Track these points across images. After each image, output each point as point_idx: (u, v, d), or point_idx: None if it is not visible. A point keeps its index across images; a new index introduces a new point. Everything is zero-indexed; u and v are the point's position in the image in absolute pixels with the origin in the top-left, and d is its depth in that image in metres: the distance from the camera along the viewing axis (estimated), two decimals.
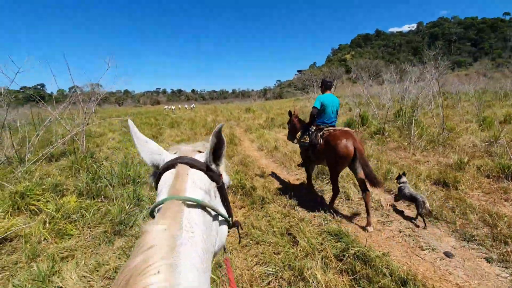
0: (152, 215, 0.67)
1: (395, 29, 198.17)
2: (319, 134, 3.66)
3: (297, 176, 5.39)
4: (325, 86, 3.93)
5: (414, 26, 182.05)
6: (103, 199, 3.90)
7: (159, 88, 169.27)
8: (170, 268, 0.47)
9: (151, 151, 0.77)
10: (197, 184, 0.69)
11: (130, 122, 0.78)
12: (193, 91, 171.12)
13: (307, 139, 3.89)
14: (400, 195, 3.56)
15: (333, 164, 3.42)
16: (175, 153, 0.79)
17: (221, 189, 0.78)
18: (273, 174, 5.45)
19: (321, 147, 3.56)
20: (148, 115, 25.15)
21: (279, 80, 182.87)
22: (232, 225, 0.85)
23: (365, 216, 3.28)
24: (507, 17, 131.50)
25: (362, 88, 12.73)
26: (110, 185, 4.13)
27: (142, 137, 0.78)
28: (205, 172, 0.73)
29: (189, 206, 0.63)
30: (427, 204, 3.20)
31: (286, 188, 4.59)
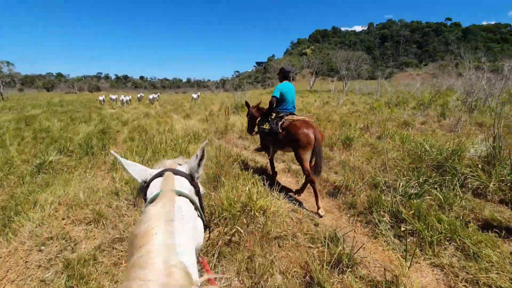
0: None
1: (346, 29, 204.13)
2: (279, 122, 3.66)
3: None
4: (284, 75, 3.93)
5: (365, 27, 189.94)
6: None
7: (101, 73, 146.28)
8: (167, 232, 0.58)
9: (140, 170, 0.88)
10: (181, 184, 0.83)
11: (113, 153, 0.90)
12: (141, 78, 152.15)
13: (267, 126, 3.84)
14: None
15: (297, 152, 3.40)
16: (159, 168, 0.90)
17: (198, 193, 0.90)
18: None
19: (282, 136, 3.61)
20: (66, 108, 15.94)
21: (238, 71, 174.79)
22: (206, 226, 0.93)
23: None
24: (449, 23, 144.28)
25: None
26: None
27: (129, 162, 0.88)
28: (186, 178, 0.86)
29: (178, 195, 0.76)
30: None
31: None
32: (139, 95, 24.93)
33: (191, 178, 0.88)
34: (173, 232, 0.59)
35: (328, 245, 2.35)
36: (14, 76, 37.59)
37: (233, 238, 2.26)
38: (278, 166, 4.94)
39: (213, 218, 2.51)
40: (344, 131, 6.97)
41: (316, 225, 2.79)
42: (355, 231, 2.75)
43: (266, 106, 4.13)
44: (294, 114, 3.86)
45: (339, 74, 38.57)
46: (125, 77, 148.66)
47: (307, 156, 3.39)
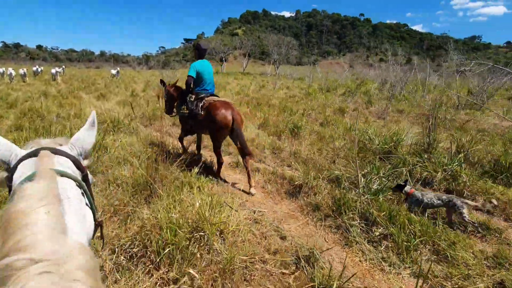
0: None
1: (276, 13, 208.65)
2: (200, 104, 3.49)
3: None
4: (200, 52, 3.69)
5: (293, 13, 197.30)
6: None
7: None
8: (58, 213, 0.45)
9: (2, 147, 0.63)
10: (64, 165, 0.63)
11: None
12: (39, 47, 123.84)
13: (186, 110, 3.61)
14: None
15: (213, 134, 3.38)
16: (31, 148, 0.65)
17: (86, 179, 0.70)
18: None
19: (201, 117, 3.44)
20: None
21: (163, 47, 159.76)
22: (96, 222, 0.72)
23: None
24: (362, 18, 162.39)
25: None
26: None
27: None
28: (70, 158, 0.66)
29: (62, 175, 0.59)
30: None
31: None
32: (35, 68, 19.88)
33: (75, 157, 0.68)
34: (63, 214, 0.48)
35: (304, 267, 1.89)
36: None
37: (183, 286, 1.55)
38: (224, 160, 4.28)
39: (148, 254, 1.72)
40: (287, 117, 6.74)
41: (283, 238, 2.30)
42: (325, 239, 2.39)
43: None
44: (214, 95, 3.72)
45: (271, 58, 39.09)
46: (17, 45, 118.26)
47: (222, 138, 3.43)
